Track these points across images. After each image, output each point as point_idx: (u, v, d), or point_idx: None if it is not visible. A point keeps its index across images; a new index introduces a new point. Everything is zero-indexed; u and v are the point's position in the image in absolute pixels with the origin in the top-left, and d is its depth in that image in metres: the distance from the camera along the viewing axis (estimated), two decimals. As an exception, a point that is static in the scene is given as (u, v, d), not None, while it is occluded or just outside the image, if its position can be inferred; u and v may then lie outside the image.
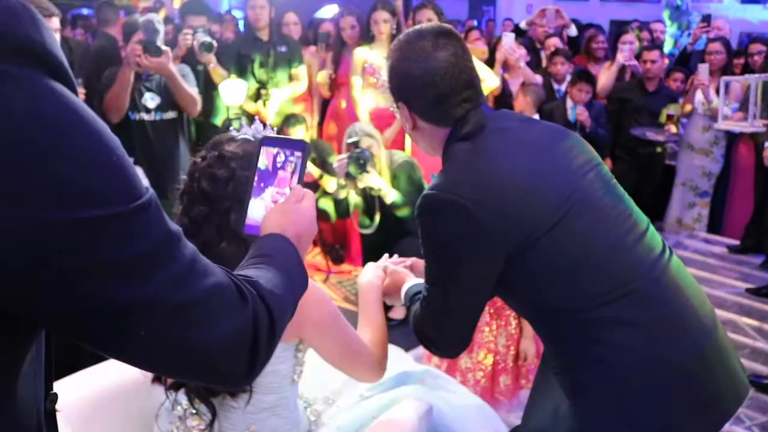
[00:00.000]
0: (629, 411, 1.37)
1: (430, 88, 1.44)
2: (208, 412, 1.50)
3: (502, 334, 2.59)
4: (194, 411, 1.54)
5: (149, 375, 1.75)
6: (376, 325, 1.64)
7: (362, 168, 3.45)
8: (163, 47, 3.38)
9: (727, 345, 1.46)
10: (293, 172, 1.12)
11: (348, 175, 3.51)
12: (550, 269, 1.38)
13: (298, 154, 1.12)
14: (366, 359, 1.54)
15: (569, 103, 4.80)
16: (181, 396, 1.54)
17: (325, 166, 4.41)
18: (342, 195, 3.80)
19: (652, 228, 1.49)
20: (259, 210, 1.11)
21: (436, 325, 1.48)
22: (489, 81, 4.34)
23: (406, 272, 1.73)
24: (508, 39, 4.72)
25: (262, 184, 1.13)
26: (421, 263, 1.77)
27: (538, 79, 4.91)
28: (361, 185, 3.53)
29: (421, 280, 1.62)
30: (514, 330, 2.58)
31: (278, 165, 1.12)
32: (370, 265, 1.79)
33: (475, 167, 1.40)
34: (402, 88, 1.48)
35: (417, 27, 1.51)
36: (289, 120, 4.42)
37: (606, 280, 1.38)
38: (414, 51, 1.44)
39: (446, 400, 1.78)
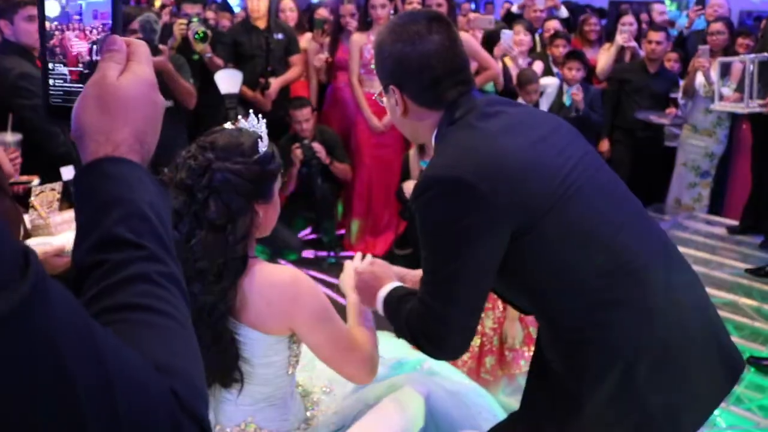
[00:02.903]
0: (631, 392, 1.38)
1: (426, 71, 1.43)
2: None
3: (489, 316, 2.66)
4: None
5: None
6: (366, 326, 1.62)
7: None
8: (161, 46, 3.39)
9: (720, 325, 1.49)
10: (105, 19, 0.74)
11: None
12: (553, 250, 1.37)
13: None
14: (357, 357, 1.52)
15: (564, 87, 4.80)
16: None
17: (333, 153, 4.41)
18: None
19: (645, 211, 1.51)
20: (73, 85, 0.75)
21: (442, 320, 1.38)
22: (493, 69, 4.35)
23: (385, 275, 1.62)
24: (507, 37, 4.70)
25: (65, 42, 0.74)
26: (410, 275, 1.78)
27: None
28: None
29: (399, 283, 1.59)
30: (501, 313, 2.66)
31: (79, 10, 0.74)
32: (350, 264, 1.78)
33: (473, 146, 1.39)
34: (395, 71, 1.47)
35: (407, 11, 1.52)
36: (294, 102, 4.41)
37: (607, 261, 1.38)
38: (408, 34, 1.43)
39: (442, 386, 1.79)
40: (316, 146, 4.31)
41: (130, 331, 0.57)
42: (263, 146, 1.46)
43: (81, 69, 0.74)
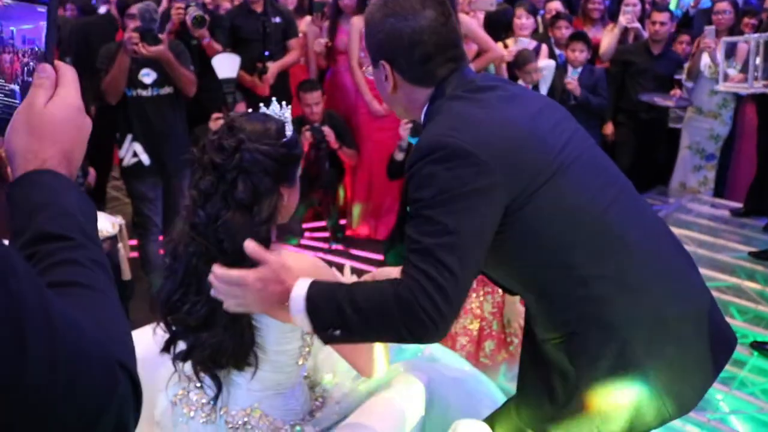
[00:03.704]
0: (627, 368, 1.38)
1: (417, 47, 1.41)
2: (213, 385, 1.52)
3: (488, 300, 2.64)
4: (198, 385, 1.55)
5: (148, 355, 1.77)
6: None
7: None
8: (161, 35, 3.36)
9: (712, 302, 1.51)
10: (32, 44, 0.77)
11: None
12: (545, 225, 1.37)
13: (41, 10, 0.76)
14: (370, 349, 1.55)
15: (569, 69, 4.75)
16: (188, 367, 1.56)
17: (341, 138, 4.39)
18: (400, 157, 3.97)
19: (635, 190, 1.53)
20: (10, 100, 0.80)
21: (435, 289, 1.26)
22: (494, 51, 4.30)
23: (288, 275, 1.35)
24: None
25: (2, 63, 0.79)
26: (384, 271, 1.74)
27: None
28: None
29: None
30: (500, 297, 2.64)
31: (12, 35, 0.78)
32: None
33: (471, 114, 1.38)
34: (387, 46, 1.45)
35: None
36: (305, 84, 4.38)
37: (597, 238, 1.39)
38: (401, 8, 1.42)
39: (443, 372, 1.79)
40: (326, 130, 4.29)
41: (67, 300, 0.66)
42: (289, 130, 1.49)
43: (16, 87, 0.80)
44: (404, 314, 1.27)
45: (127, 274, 2.39)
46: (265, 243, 1.44)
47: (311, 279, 1.34)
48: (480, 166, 1.30)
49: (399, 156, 4.01)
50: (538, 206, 1.36)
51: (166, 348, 1.55)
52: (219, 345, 1.46)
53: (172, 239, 1.52)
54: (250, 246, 1.33)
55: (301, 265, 1.46)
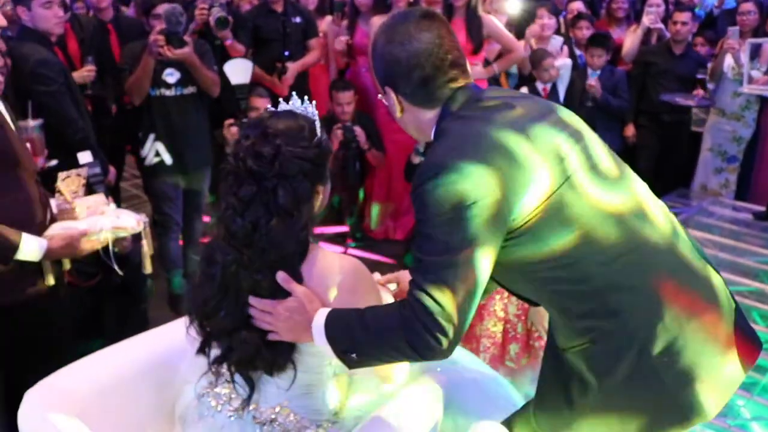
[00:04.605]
0: (647, 374, 1.38)
1: (415, 70, 1.44)
2: (246, 385, 1.53)
3: (513, 302, 2.61)
4: (229, 381, 1.55)
5: (167, 352, 1.79)
6: None
7: None
8: (186, 37, 3.40)
9: (736, 307, 1.49)
10: None
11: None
12: (554, 237, 1.37)
13: None
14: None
15: (589, 71, 4.72)
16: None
17: (371, 140, 4.41)
18: (416, 160, 4.01)
19: (652, 194, 1.52)
20: None
21: (442, 308, 1.29)
22: (518, 51, 4.27)
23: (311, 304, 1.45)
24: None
25: None
26: (408, 273, 1.74)
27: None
28: None
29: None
30: None
31: None
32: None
33: (473, 132, 1.39)
34: (387, 72, 1.48)
35: (401, 10, 1.55)
36: (338, 84, 4.40)
37: (612, 246, 1.39)
38: (398, 34, 1.45)
39: (461, 374, 1.79)
40: (357, 130, 4.31)
41: None
42: (319, 128, 1.50)
43: None
44: (407, 333, 1.32)
45: (148, 268, 2.43)
46: (305, 246, 1.47)
47: (329, 309, 1.43)
48: (480, 184, 1.32)
49: (416, 159, 4.01)
50: (544, 220, 1.36)
51: (201, 350, 1.56)
52: (257, 352, 1.47)
53: (208, 243, 1.53)
54: (281, 276, 1.44)
55: (342, 265, 1.49)
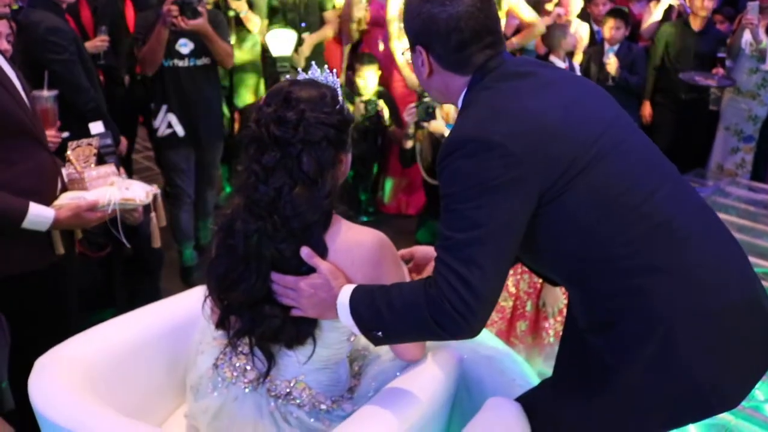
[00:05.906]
0: (670, 360, 1.35)
1: (453, 33, 1.40)
2: (264, 358, 1.52)
3: (525, 279, 2.59)
4: (245, 352, 1.54)
5: (180, 322, 1.78)
6: None
7: (430, 116, 3.76)
8: (200, 8, 3.36)
9: (764, 293, 1.44)
10: None
11: (417, 123, 3.88)
12: (581, 216, 1.35)
13: None
14: None
15: (606, 46, 4.64)
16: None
17: (392, 115, 4.41)
18: (409, 144, 4.01)
19: (681, 176, 1.48)
20: None
21: (468, 285, 1.28)
22: (537, 26, 4.22)
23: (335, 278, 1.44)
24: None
25: None
26: (422, 249, 1.77)
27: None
28: (430, 129, 3.84)
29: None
30: (538, 278, 2.57)
31: None
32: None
33: (502, 106, 1.36)
34: (423, 31, 1.44)
35: None
36: (363, 57, 4.36)
37: (638, 227, 1.35)
38: None
39: (477, 350, 1.77)
40: (381, 105, 4.32)
41: None
42: (340, 95, 1.49)
43: None
44: (433, 311, 1.30)
45: (157, 241, 2.41)
46: (328, 216, 1.45)
47: (354, 285, 1.41)
48: (510, 158, 1.29)
49: (408, 144, 4.00)
50: (573, 197, 1.34)
51: (221, 323, 1.54)
52: (282, 326, 1.46)
53: (226, 214, 1.50)
54: (305, 252, 1.43)
55: (366, 237, 1.47)
